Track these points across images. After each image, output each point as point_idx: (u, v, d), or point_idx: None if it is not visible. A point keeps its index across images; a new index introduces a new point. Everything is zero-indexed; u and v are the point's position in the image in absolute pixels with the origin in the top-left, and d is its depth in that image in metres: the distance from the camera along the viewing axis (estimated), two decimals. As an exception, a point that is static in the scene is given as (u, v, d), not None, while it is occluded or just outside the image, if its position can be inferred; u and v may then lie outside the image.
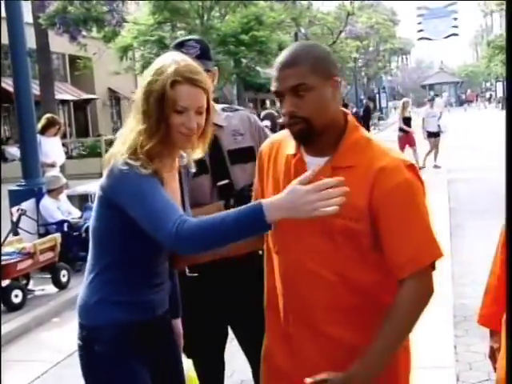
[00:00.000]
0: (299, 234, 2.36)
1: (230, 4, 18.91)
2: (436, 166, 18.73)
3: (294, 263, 2.41)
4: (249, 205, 2.27)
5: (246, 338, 3.59)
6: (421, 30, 77.21)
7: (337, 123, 2.40)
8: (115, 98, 38.87)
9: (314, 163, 2.37)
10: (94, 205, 2.63)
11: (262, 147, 2.68)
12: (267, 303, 2.63)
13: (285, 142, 2.52)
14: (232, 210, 2.31)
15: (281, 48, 22.38)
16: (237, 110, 3.71)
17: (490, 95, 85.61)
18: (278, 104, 3.66)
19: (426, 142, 19.70)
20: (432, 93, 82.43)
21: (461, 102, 70.79)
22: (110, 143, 25.90)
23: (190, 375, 3.02)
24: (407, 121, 19.44)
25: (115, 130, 36.00)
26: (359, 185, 2.28)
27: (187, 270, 3.32)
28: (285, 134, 2.54)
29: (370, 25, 41.64)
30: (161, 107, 2.46)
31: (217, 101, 3.69)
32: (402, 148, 18.57)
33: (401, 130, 19.26)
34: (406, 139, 18.96)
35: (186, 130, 2.48)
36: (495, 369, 2.77)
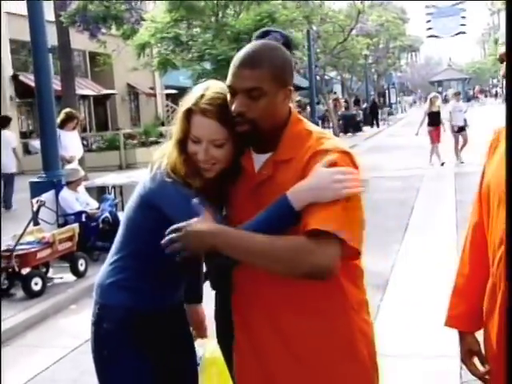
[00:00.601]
0: None
1: (243, 2, 18.85)
2: (461, 162, 18.29)
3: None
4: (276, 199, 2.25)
5: None
6: (430, 28, 76.83)
7: (281, 121, 2.38)
8: (134, 93, 38.91)
9: (260, 160, 2.38)
10: (133, 198, 2.63)
11: None
12: (233, 303, 2.60)
13: None
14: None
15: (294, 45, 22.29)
16: None
17: (496, 92, 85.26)
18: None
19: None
20: (440, 89, 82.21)
21: (468, 98, 70.28)
22: (128, 137, 26.22)
23: (214, 357, 3.00)
24: (436, 115, 18.91)
25: (134, 125, 36.18)
26: (295, 174, 2.25)
27: None
28: None
29: (380, 23, 41.40)
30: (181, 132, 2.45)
31: None
32: (434, 142, 18.33)
33: (430, 124, 18.69)
34: (436, 133, 18.49)
35: (199, 160, 2.43)
36: (473, 372, 2.67)
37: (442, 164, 18.13)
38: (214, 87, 2.45)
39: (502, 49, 2.45)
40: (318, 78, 34.04)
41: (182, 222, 2.26)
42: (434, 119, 18.77)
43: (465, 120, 19.08)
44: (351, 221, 2.22)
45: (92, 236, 9.10)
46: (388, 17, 43.92)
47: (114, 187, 10.93)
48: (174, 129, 2.49)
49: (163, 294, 2.70)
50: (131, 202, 2.64)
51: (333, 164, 2.20)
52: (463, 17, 76.81)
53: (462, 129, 18.73)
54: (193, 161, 2.42)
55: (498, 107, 50.39)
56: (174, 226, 2.27)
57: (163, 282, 2.68)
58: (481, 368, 2.63)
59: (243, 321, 2.50)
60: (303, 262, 2.15)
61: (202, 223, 2.25)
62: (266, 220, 2.25)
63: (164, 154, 2.50)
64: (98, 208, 9.61)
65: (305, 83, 32.20)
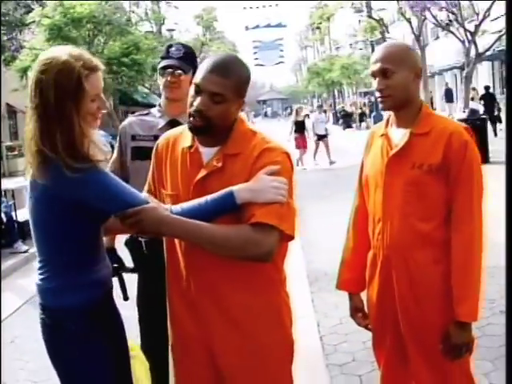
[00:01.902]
0: None
1: (111, 33, 18.38)
2: (332, 162, 17.94)
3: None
4: (222, 191, 2.13)
5: None
6: (256, 58, 79.19)
7: (230, 123, 2.25)
8: (12, 111, 36.83)
9: (208, 153, 2.25)
10: (31, 203, 2.22)
11: (158, 142, 2.43)
12: (169, 276, 2.36)
13: (180, 137, 2.34)
14: (208, 197, 2.15)
15: (154, 69, 22.04)
16: None
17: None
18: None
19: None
20: (265, 106, 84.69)
21: (289, 114, 72.49)
22: (9, 148, 24.82)
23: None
24: (301, 124, 18.69)
25: (15, 139, 34.30)
26: (243, 167, 2.18)
27: (144, 249, 3.02)
28: (179, 130, 2.41)
29: (219, 53, 41.96)
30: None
31: (137, 103, 3.37)
32: (299, 147, 17.98)
33: (296, 131, 18.33)
34: (301, 139, 18.23)
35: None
36: (359, 324, 2.83)
37: (304, 169, 17.63)
38: None
39: (373, 67, 2.53)
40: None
41: (132, 207, 2.07)
42: (300, 127, 18.59)
43: (326, 129, 19.06)
44: (288, 213, 2.15)
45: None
46: (225, 49, 44.35)
47: (5, 191, 10.11)
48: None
49: (103, 273, 2.34)
50: (31, 208, 2.22)
51: (278, 162, 2.16)
52: (281, 50, 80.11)
53: (323, 136, 18.64)
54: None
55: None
56: (128, 212, 2.06)
57: (97, 259, 2.31)
58: (363, 322, 2.80)
59: (182, 293, 2.30)
60: (251, 250, 2.10)
61: (153, 210, 2.07)
62: (211, 209, 2.12)
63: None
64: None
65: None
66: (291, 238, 2.18)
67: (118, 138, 3.37)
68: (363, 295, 2.79)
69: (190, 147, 2.26)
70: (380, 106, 2.59)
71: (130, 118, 3.31)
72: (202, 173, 2.21)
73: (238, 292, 2.23)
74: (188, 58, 3.24)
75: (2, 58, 17.42)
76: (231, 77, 2.16)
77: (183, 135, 2.33)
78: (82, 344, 2.24)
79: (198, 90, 2.16)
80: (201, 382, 2.34)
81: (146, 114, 3.33)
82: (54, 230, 2.21)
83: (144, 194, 2.26)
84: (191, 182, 2.22)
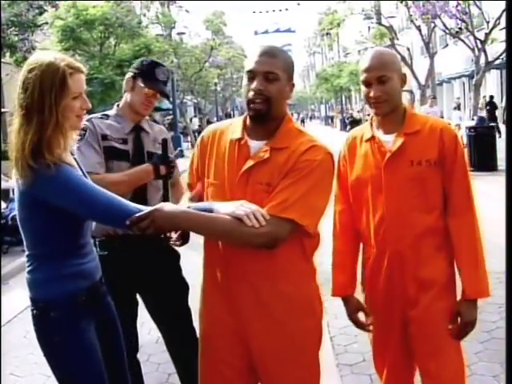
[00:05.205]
0: None
1: (123, 34, 18.45)
2: None
3: None
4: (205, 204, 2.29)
5: (153, 304, 3.42)
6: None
7: (280, 115, 2.35)
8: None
9: (256, 146, 2.34)
10: (16, 203, 2.33)
11: (203, 134, 2.53)
12: (206, 266, 2.47)
13: (227, 130, 2.44)
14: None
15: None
16: (157, 123, 3.62)
17: (315, 115, 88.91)
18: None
19: None
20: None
21: (301, 120, 72.16)
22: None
23: None
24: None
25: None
26: (288, 160, 2.27)
27: (97, 249, 3.05)
28: (226, 123, 2.50)
29: (228, 57, 41.96)
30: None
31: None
32: None
33: None
34: None
35: None
36: (361, 325, 2.82)
37: None
38: None
39: (367, 75, 2.61)
40: (178, 101, 33.81)
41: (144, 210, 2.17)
42: None
43: None
44: (311, 203, 2.25)
45: (1, 232, 8.34)
46: (233, 53, 44.53)
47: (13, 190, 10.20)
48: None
49: (89, 265, 2.43)
50: (18, 203, 2.33)
51: (319, 160, 2.27)
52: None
53: None
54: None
55: (320, 125, 52.24)
56: (139, 216, 2.12)
57: (82, 252, 2.40)
58: (365, 321, 2.79)
59: (216, 281, 2.39)
60: (257, 240, 2.19)
61: (168, 206, 2.19)
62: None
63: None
64: (6, 207, 8.95)
65: (167, 105, 31.92)
66: (306, 230, 2.28)
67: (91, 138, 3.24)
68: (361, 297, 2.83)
69: (240, 139, 2.35)
70: (374, 111, 2.67)
71: (93, 120, 3.25)
72: (249, 163, 2.31)
73: (271, 281, 2.32)
74: (167, 82, 3.38)
75: (14, 58, 17.47)
76: (279, 57, 2.31)
77: (231, 128, 2.44)
78: (65, 334, 2.32)
79: (252, 76, 2.29)
80: (232, 369, 2.40)
81: (107, 118, 3.32)
82: (31, 223, 2.32)
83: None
84: (238, 171, 2.31)
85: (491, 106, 20.52)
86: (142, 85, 3.25)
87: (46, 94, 2.20)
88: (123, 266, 3.17)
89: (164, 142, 3.22)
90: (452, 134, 2.66)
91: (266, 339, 2.33)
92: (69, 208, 2.23)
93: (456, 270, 2.67)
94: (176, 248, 2.98)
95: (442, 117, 24.45)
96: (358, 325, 2.84)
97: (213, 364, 2.42)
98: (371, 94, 2.60)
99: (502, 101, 25.15)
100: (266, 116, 2.30)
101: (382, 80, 2.57)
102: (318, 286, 2.49)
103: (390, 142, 2.65)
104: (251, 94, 2.28)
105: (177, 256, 3.39)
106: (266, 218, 2.16)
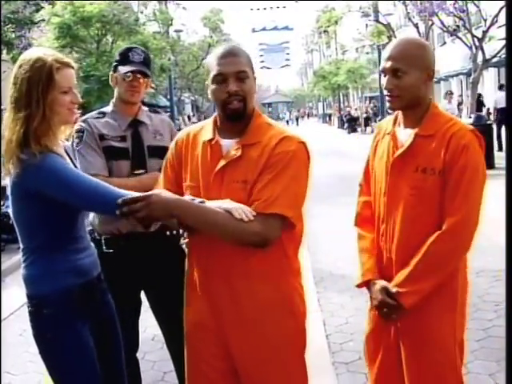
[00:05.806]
0: None
1: (120, 31, 18.38)
2: None
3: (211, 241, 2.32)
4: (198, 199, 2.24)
5: (156, 302, 3.40)
6: (262, 61, 79.14)
7: (251, 111, 2.39)
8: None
9: (228, 145, 2.34)
10: (10, 196, 2.33)
11: (177, 137, 2.54)
12: (189, 266, 2.46)
13: (200, 132, 2.44)
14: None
15: (162, 69, 22.05)
16: (158, 112, 3.50)
17: (312, 112, 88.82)
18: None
19: None
20: (270, 109, 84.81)
21: (296, 117, 71.90)
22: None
23: None
24: None
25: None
26: (261, 155, 2.27)
27: (104, 247, 3.06)
28: (198, 126, 2.50)
29: (225, 55, 41.95)
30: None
31: (143, 103, 3.43)
32: None
33: None
34: None
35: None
36: (384, 314, 2.59)
37: None
38: None
39: (385, 64, 2.47)
40: (175, 98, 33.80)
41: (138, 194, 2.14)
42: None
43: None
44: (293, 194, 2.26)
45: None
46: (231, 51, 44.53)
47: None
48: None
49: (84, 262, 2.42)
50: (11, 196, 2.33)
51: (293, 151, 2.27)
52: (288, 53, 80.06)
53: None
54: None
55: (317, 123, 52.10)
56: (132, 197, 2.09)
57: (77, 248, 2.39)
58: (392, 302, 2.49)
59: (197, 280, 2.39)
60: (249, 238, 2.20)
61: (165, 193, 2.17)
62: None
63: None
64: (2, 205, 8.90)
65: (165, 103, 31.85)
66: (294, 224, 2.27)
67: (89, 139, 3.19)
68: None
69: (211, 140, 2.36)
70: (387, 105, 2.53)
71: (89, 120, 3.22)
72: (222, 163, 2.31)
73: (246, 280, 2.29)
74: (147, 63, 3.30)
75: (11, 55, 17.43)
76: (242, 55, 2.34)
77: (204, 130, 2.43)
78: (58, 331, 2.32)
79: (222, 78, 2.29)
80: (216, 371, 2.38)
81: (103, 116, 3.28)
82: (24, 215, 2.32)
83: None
84: (211, 172, 2.31)
85: (478, 104, 20.53)
86: (121, 72, 3.24)
87: (33, 88, 2.23)
88: (128, 264, 3.15)
89: None
90: (460, 142, 2.38)
91: (243, 340, 2.31)
92: (58, 197, 2.22)
93: (460, 278, 2.53)
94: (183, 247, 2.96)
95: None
96: (390, 306, 2.49)
97: (197, 365, 2.41)
98: (384, 86, 2.49)
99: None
100: (243, 114, 2.33)
101: (396, 73, 2.42)
102: (302, 286, 2.44)
103: (406, 140, 2.49)
104: (226, 96, 2.29)
105: (182, 255, 3.37)
106: (253, 214, 2.17)
